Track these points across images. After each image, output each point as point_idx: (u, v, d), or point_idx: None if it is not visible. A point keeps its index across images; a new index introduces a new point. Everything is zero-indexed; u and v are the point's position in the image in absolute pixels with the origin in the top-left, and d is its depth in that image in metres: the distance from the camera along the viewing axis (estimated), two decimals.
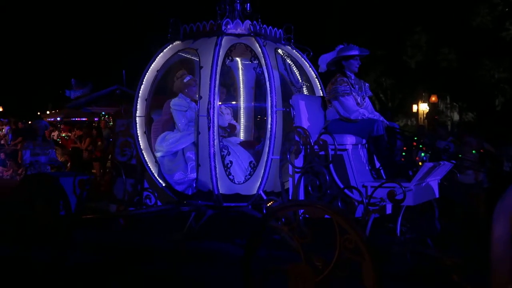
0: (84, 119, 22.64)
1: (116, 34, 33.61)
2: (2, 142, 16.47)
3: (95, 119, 21.70)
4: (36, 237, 5.47)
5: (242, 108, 6.62)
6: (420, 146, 7.56)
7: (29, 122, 17.47)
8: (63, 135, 17.35)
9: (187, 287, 5.10)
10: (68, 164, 13.54)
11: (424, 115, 24.95)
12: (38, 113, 28.67)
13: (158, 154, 5.50)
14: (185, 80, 5.62)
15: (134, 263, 5.85)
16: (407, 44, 24.70)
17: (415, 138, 6.33)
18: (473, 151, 7.74)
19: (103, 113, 21.51)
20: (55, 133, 17.17)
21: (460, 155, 7.35)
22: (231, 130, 5.88)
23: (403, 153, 6.90)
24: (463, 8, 21.95)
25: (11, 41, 35.98)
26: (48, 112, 27.75)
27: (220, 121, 5.28)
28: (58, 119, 22.98)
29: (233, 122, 6.21)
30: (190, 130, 5.48)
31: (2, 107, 33.90)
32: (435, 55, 23.90)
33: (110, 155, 6.00)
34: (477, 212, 7.50)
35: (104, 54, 34.44)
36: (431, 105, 25.17)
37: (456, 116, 27.32)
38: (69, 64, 34.72)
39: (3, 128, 17.10)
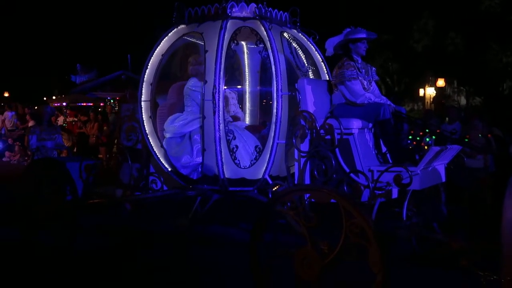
0: (89, 104, 22.67)
1: (121, 19, 33.53)
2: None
3: (101, 104, 21.73)
4: (43, 222, 5.51)
5: (247, 93, 6.58)
6: (427, 130, 7.53)
7: (35, 108, 17.53)
8: (70, 120, 17.39)
9: (193, 271, 5.13)
10: (75, 149, 13.60)
11: (431, 100, 24.80)
12: (44, 98, 28.75)
13: (167, 135, 5.49)
14: (199, 67, 5.58)
15: (140, 248, 5.89)
16: (414, 29, 24.50)
17: (425, 128, 6.30)
18: (480, 135, 7.68)
19: (108, 98, 21.53)
20: (61, 118, 17.21)
21: (466, 139, 7.31)
22: (234, 120, 5.85)
23: (417, 138, 6.87)
24: None
25: (17, 27, 35.97)
26: (54, 97, 27.83)
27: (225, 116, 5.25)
28: (64, 104, 23.02)
29: (238, 110, 6.18)
30: (199, 114, 5.46)
31: (9, 93, 34.01)
32: (442, 39, 23.70)
33: (116, 140, 6.00)
34: (484, 197, 7.47)
35: (109, 39, 34.39)
36: (438, 89, 25.00)
37: (463, 101, 27.17)
38: (74, 49, 34.71)
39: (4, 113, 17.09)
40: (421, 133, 7.76)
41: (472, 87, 25.48)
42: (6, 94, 33.43)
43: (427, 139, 7.97)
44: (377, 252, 3.45)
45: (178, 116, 5.54)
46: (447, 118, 9.85)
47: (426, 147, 6.97)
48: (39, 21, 36.12)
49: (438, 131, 7.37)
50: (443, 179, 4.76)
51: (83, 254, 5.49)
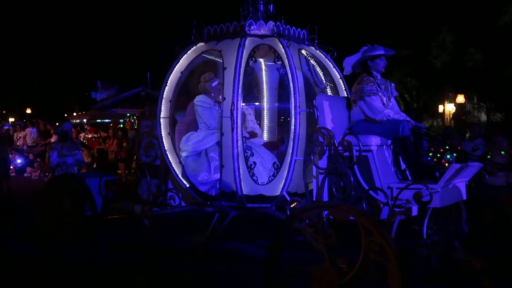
0: (109, 120, 22.95)
1: (141, 37, 34.07)
2: (19, 143, 16.81)
3: (120, 120, 21.97)
4: (63, 237, 5.56)
5: (265, 109, 6.61)
6: (447, 147, 7.44)
7: (57, 124, 17.81)
8: (89, 136, 17.63)
9: (211, 287, 5.11)
10: (94, 165, 13.76)
11: (451, 116, 24.54)
12: (65, 115, 29.22)
13: (183, 154, 5.54)
14: (213, 85, 5.65)
15: (158, 263, 5.89)
16: (433, 44, 24.37)
17: (447, 147, 6.22)
18: (502, 152, 7.56)
19: (128, 114, 21.77)
20: (82, 134, 17.45)
21: (489, 156, 7.20)
22: (251, 136, 5.87)
23: (438, 155, 6.80)
24: (490, 7, 21.55)
25: (39, 44, 36.77)
26: (74, 114, 28.25)
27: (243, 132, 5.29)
28: (84, 120, 23.36)
29: (256, 126, 6.20)
30: (213, 130, 5.50)
31: (31, 109, 34.69)
32: (461, 55, 23.52)
33: (135, 156, 6.06)
34: (507, 214, 7.33)
35: (129, 56, 34.94)
36: (457, 105, 24.73)
37: (483, 117, 26.81)
38: (95, 66, 35.33)
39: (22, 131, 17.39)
40: (441, 150, 7.67)
41: (493, 103, 25.16)
42: (28, 111, 34.10)
43: (448, 156, 7.88)
44: (396, 270, 3.40)
45: (192, 134, 5.59)
46: (467, 135, 9.73)
47: (447, 164, 6.89)
48: (61, 39, 36.89)
49: (459, 148, 7.29)
50: (464, 197, 4.69)
51: (101, 269, 5.51)
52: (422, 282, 4.73)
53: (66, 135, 8.96)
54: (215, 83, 5.65)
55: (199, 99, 5.62)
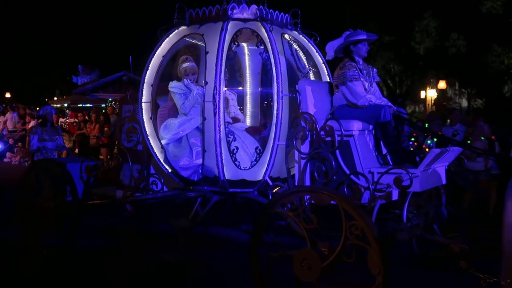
0: (91, 105, 22.69)
1: (122, 20, 33.62)
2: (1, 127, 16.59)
3: (102, 105, 21.75)
4: (43, 223, 5.51)
5: (248, 94, 6.58)
6: (429, 133, 7.52)
7: (37, 108, 17.55)
8: (70, 121, 17.42)
9: (194, 273, 5.13)
10: (76, 150, 13.62)
11: (432, 102, 24.79)
12: (46, 100, 28.80)
13: (163, 142, 5.50)
14: (180, 68, 5.62)
15: (141, 249, 5.89)
16: (416, 30, 24.49)
17: (425, 131, 6.24)
18: (482, 138, 7.67)
19: (109, 99, 21.56)
20: (63, 119, 17.24)
21: (469, 141, 7.29)
22: (233, 121, 5.85)
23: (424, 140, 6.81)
24: None
25: (19, 27, 36.06)
26: (55, 98, 27.86)
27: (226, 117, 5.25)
28: (65, 105, 23.06)
29: (238, 112, 6.16)
30: (191, 115, 5.47)
31: (11, 93, 34.09)
32: (444, 40, 23.69)
33: (116, 141, 6.00)
34: (486, 199, 7.46)
35: (111, 40, 34.49)
36: (439, 91, 24.97)
37: (464, 103, 27.14)
38: (76, 50, 34.81)
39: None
40: (425, 135, 7.76)
41: (474, 89, 25.46)
42: (7, 95, 33.52)
43: (429, 142, 7.97)
44: (377, 253, 3.44)
45: (170, 121, 5.56)
46: (448, 120, 9.85)
47: (427, 149, 6.96)
48: (40, 22, 36.21)
49: (439, 133, 7.37)
50: (444, 181, 4.76)
51: (83, 255, 5.49)
52: (402, 265, 4.81)
53: (45, 119, 8.83)
54: (183, 65, 5.61)
55: (171, 85, 5.57)
